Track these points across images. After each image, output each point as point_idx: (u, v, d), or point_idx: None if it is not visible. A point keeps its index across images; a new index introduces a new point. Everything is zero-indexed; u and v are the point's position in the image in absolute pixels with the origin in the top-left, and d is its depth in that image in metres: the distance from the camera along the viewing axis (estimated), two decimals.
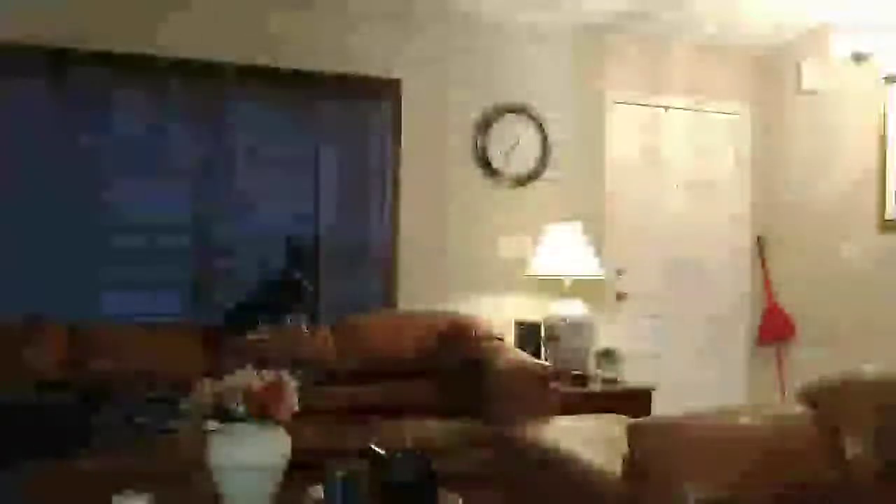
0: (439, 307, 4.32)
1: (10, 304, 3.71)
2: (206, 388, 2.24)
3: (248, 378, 2.25)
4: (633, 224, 4.97)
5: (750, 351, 5.19)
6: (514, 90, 4.70)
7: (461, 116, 4.61)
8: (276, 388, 2.26)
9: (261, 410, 2.22)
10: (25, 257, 3.81)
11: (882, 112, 4.33)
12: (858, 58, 4.23)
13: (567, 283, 4.34)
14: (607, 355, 4.27)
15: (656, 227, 5.03)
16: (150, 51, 4.02)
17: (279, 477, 2.29)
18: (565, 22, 4.70)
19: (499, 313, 4.43)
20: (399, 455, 2.29)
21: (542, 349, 4.32)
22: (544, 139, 4.74)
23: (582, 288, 4.41)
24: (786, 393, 4.86)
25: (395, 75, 4.47)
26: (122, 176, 4.06)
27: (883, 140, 4.33)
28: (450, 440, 3.36)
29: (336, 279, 4.32)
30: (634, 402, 4.03)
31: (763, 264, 5.14)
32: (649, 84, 4.98)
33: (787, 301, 4.96)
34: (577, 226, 4.36)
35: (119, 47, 3.97)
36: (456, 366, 3.87)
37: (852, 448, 1.96)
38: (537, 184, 4.74)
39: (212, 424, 2.23)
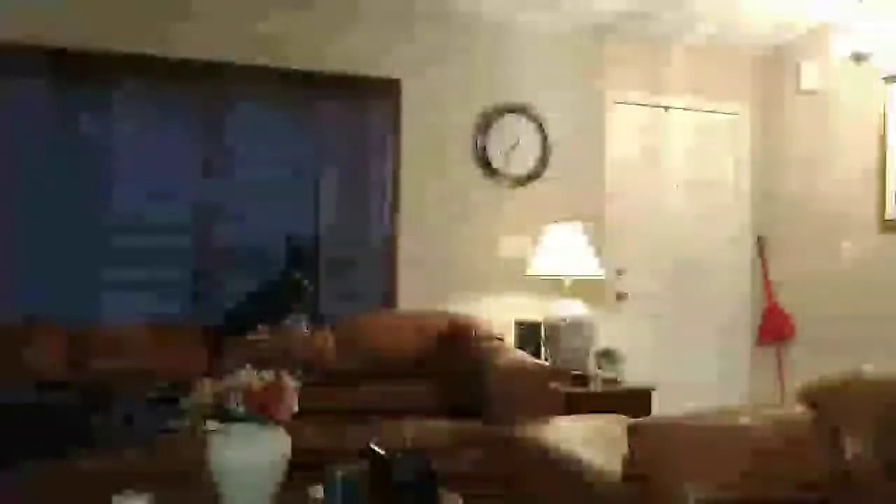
0: (439, 307, 4.32)
1: (10, 305, 3.71)
2: (206, 388, 2.24)
3: (248, 378, 2.25)
4: (633, 224, 4.97)
5: (750, 351, 5.19)
6: (514, 90, 4.70)
7: (461, 116, 4.61)
8: (276, 388, 2.26)
9: (261, 410, 2.22)
10: (26, 257, 3.81)
11: (882, 112, 4.34)
12: (858, 58, 4.23)
13: (567, 283, 4.34)
14: (607, 355, 4.27)
15: (656, 227, 5.03)
16: (150, 51, 4.02)
17: (279, 477, 2.29)
18: (565, 22, 4.70)
19: (499, 313, 4.43)
20: (399, 455, 2.29)
21: (542, 349, 4.32)
22: (544, 139, 4.74)
23: (582, 288, 4.42)
24: (786, 393, 4.86)
25: (395, 75, 4.47)
26: (123, 176, 4.06)
27: (883, 140, 4.33)
28: (450, 440, 3.35)
29: (336, 279, 4.32)
30: (634, 402, 4.03)
31: (763, 264, 5.14)
32: (649, 84, 4.98)
33: (787, 301, 4.96)
34: (577, 226, 4.36)
35: (119, 47, 3.97)
36: (456, 366, 3.87)
37: (852, 448, 1.96)
38: (537, 184, 4.74)
39: (212, 424, 2.23)
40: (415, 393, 3.86)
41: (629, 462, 2.10)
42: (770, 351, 5.07)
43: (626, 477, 2.13)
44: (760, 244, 5.17)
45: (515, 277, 4.57)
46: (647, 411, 4.05)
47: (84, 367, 3.43)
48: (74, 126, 3.97)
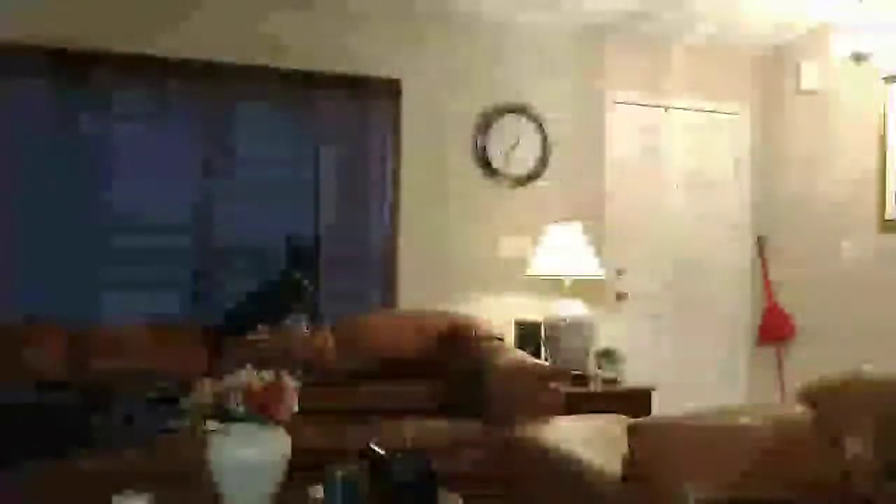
0: (439, 307, 4.32)
1: (10, 305, 3.71)
2: (206, 388, 2.24)
3: (248, 378, 2.25)
4: (633, 224, 4.97)
5: (750, 351, 5.19)
6: (514, 90, 4.70)
7: (461, 116, 4.61)
8: (276, 388, 2.26)
9: (261, 410, 2.22)
10: (26, 257, 3.81)
11: (882, 112, 4.34)
12: (858, 58, 4.22)
13: (567, 283, 4.34)
14: (607, 355, 4.27)
15: (656, 227, 5.03)
16: (150, 51, 4.02)
17: (279, 477, 2.29)
18: (565, 22, 4.70)
19: (499, 313, 4.43)
20: (399, 455, 2.29)
21: (542, 349, 4.32)
22: (544, 139, 4.74)
23: (582, 288, 4.42)
24: (786, 393, 4.86)
25: (395, 75, 4.47)
26: (123, 176, 4.05)
27: (883, 140, 4.33)
28: (450, 440, 3.35)
29: (336, 279, 4.32)
30: (634, 402, 4.03)
31: (763, 264, 5.14)
32: (649, 84, 4.98)
33: (787, 301, 4.96)
34: (577, 226, 4.36)
35: (119, 47, 3.97)
36: (456, 366, 3.87)
37: (852, 448, 1.96)
38: (537, 184, 4.74)
39: (212, 424, 2.23)
40: (415, 393, 3.86)
41: (629, 462, 2.10)
42: (770, 351, 5.07)
43: (626, 477, 2.13)
44: (760, 244, 5.17)
45: (515, 277, 4.57)
46: (647, 411, 4.05)
47: (84, 367, 3.43)
48: (74, 126, 3.97)
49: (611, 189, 4.91)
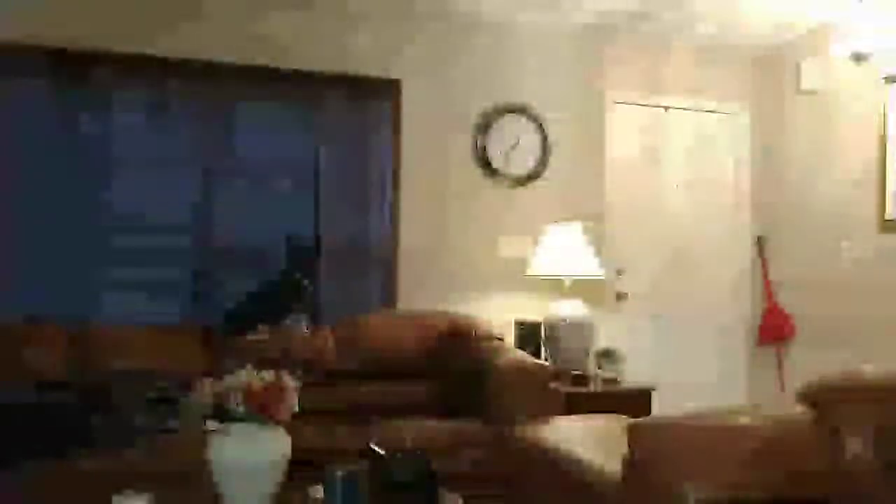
0: (439, 307, 4.32)
1: (10, 305, 3.71)
2: (206, 388, 2.24)
3: (248, 378, 2.25)
4: (633, 224, 4.97)
5: (750, 351, 5.19)
6: (514, 90, 4.70)
7: (461, 116, 4.61)
8: (276, 388, 2.26)
9: (261, 410, 2.22)
10: (26, 257, 3.81)
11: (882, 112, 4.33)
12: (858, 58, 4.22)
13: (567, 283, 4.34)
14: (607, 355, 4.27)
15: (656, 228, 5.03)
16: (150, 51, 4.02)
17: (279, 477, 2.28)
18: (565, 22, 4.70)
19: (499, 313, 4.43)
20: (399, 455, 2.29)
21: (542, 349, 4.32)
22: (544, 139, 4.74)
23: (582, 288, 4.42)
24: (786, 393, 4.86)
25: (395, 75, 4.47)
26: (123, 176, 4.06)
27: (883, 140, 4.33)
28: (450, 440, 3.36)
29: (336, 279, 4.32)
30: (634, 402, 4.03)
31: (763, 264, 5.14)
32: (649, 84, 4.98)
33: (787, 301, 4.96)
34: (577, 226, 4.36)
35: (119, 47, 3.97)
36: (456, 366, 3.87)
37: (852, 448, 1.96)
38: (537, 184, 4.74)
39: (212, 424, 2.23)
40: (415, 393, 3.86)
41: (629, 462, 2.10)
42: (770, 351, 5.07)
43: (626, 477, 2.13)
44: (760, 244, 5.17)
45: (515, 277, 4.57)
46: (647, 411, 4.05)
47: (84, 367, 3.43)
48: (74, 126, 3.97)
49: (611, 189, 4.91)
